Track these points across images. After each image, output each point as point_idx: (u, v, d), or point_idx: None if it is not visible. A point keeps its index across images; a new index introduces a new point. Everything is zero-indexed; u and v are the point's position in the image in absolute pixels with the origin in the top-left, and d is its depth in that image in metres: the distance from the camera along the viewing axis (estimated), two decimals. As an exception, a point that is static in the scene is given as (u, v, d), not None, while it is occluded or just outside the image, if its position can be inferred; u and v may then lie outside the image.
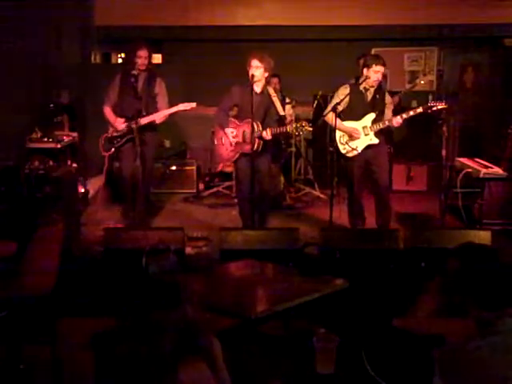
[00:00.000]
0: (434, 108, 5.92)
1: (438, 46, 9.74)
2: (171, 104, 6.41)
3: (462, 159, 7.09)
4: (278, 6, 9.15)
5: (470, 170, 6.72)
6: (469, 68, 9.81)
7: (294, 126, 5.93)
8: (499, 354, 2.02)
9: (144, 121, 6.16)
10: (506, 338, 2.04)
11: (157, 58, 9.48)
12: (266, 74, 6.03)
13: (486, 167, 6.67)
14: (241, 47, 8.81)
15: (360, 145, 6.16)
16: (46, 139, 6.74)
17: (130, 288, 3.48)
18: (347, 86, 6.53)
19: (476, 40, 9.60)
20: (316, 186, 8.25)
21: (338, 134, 6.28)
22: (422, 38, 9.49)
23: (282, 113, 6.20)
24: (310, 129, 6.06)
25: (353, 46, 9.12)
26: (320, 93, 8.24)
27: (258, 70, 5.90)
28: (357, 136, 6.13)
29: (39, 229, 3.96)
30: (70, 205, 6.34)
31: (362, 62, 7.97)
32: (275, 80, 8.17)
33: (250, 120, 5.87)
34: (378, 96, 6.15)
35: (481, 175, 6.52)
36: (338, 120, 6.19)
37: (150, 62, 6.37)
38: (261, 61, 5.89)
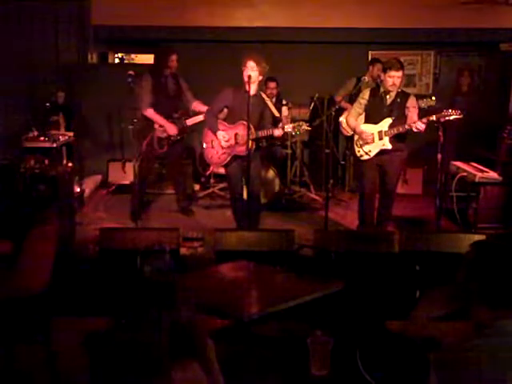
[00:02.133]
0: (447, 117, 5.84)
1: (435, 50, 9.77)
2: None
3: (457, 163, 7.11)
4: (276, 7, 9.16)
5: (465, 174, 6.74)
6: (465, 72, 9.85)
7: (291, 125, 5.95)
8: (496, 354, 2.02)
9: (190, 122, 6.82)
10: (503, 339, 2.05)
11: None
12: (261, 78, 6.05)
13: (482, 171, 6.69)
14: (239, 48, 8.81)
15: (373, 149, 6.16)
16: (42, 138, 6.74)
17: (125, 288, 3.48)
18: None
19: (472, 44, 9.63)
20: (311, 187, 8.26)
21: (355, 136, 6.30)
22: (418, 41, 9.51)
23: (277, 114, 6.25)
24: (309, 128, 6.08)
25: (350, 48, 9.14)
26: (317, 95, 8.25)
27: (253, 71, 5.91)
28: (368, 140, 6.12)
29: (34, 228, 3.94)
30: (65, 204, 6.33)
31: (375, 66, 8.07)
32: (273, 84, 8.19)
33: (242, 122, 5.90)
34: (399, 100, 6.10)
35: (476, 179, 6.54)
36: (356, 122, 6.21)
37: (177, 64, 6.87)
38: (257, 63, 5.92)
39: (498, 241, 2.22)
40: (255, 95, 6.05)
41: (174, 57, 6.76)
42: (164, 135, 6.71)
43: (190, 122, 6.83)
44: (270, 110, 6.15)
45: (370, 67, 8.11)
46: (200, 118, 6.72)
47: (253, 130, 5.93)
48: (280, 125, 6.04)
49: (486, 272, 2.12)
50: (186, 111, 6.86)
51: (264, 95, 6.24)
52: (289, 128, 5.94)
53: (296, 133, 6.01)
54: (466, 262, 2.18)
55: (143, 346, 2.12)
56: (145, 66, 8.52)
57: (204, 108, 6.58)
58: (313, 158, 9.30)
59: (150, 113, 6.69)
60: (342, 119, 7.81)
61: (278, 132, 5.94)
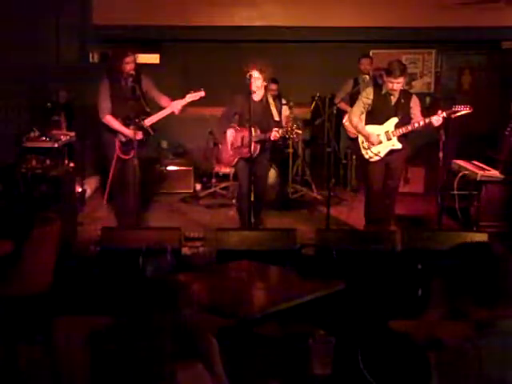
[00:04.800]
0: (458, 113, 5.88)
1: (436, 49, 9.76)
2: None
3: (459, 161, 7.09)
4: (277, 7, 9.15)
5: (466, 172, 6.73)
6: (466, 70, 9.84)
7: (283, 130, 6.03)
8: (497, 355, 2.02)
9: (149, 121, 6.24)
10: (504, 339, 2.05)
11: (154, 58, 9.48)
12: (265, 83, 6.17)
13: (483, 170, 6.68)
14: (239, 48, 8.81)
15: (382, 150, 6.18)
16: (43, 138, 6.72)
17: (127, 288, 3.48)
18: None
19: (474, 43, 9.62)
20: (313, 186, 8.25)
21: (360, 138, 6.31)
22: (420, 40, 9.50)
23: (276, 118, 6.31)
24: (300, 132, 6.18)
25: (351, 47, 9.12)
26: (318, 94, 8.24)
27: (258, 80, 6.04)
28: (375, 143, 6.13)
29: (36, 228, 3.95)
30: (66, 204, 6.33)
31: (362, 62, 8.11)
32: (274, 86, 8.18)
33: (248, 126, 6.00)
34: (402, 100, 6.12)
35: (478, 178, 6.53)
36: (360, 123, 6.22)
37: (136, 64, 6.34)
38: (261, 72, 6.03)
39: (479, 242, 2.24)
40: (261, 100, 6.19)
41: (128, 59, 6.19)
42: (125, 139, 6.26)
43: (148, 121, 6.24)
44: (271, 113, 6.25)
45: (358, 64, 8.14)
46: (161, 114, 6.29)
47: (258, 132, 6.08)
48: (275, 128, 6.09)
49: (476, 274, 2.12)
50: (146, 113, 6.33)
51: (270, 99, 6.33)
52: (282, 133, 6.02)
53: (288, 136, 6.12)
54: (451, 269, 2.19)
55: (146, 345, 2.11)
56: (147, 66, 8.53)
57: (169, 103, 6.29)
58: (314, 156, 9.30)
59: (108, 120, 6.24)
60: (345, 123, 7.78)
61: (272, 135, 6.05)
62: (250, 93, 5.99)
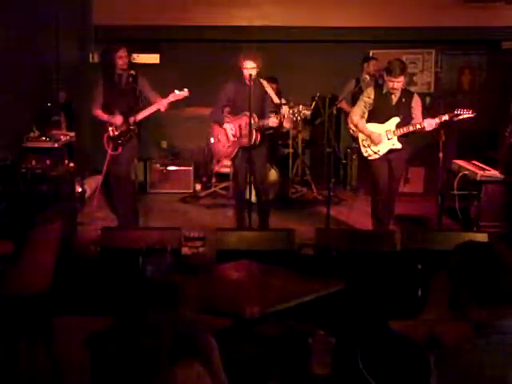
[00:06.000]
0: (460, 117, 5.90)
1: (436, 48, 9.77)
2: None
3: (459, 161, 7.09)
4: (277, 7, 9.15)
5: (466, 172, 6.73)
6: (466, 70, 9.85)
7: (291, 110, 6.00)
8: (496, 354, 2.02)
9: (140, 116, 6.28)
10: (503, 339, 2.05)
11: (154, 58, 9.48)
12: (258, 70, 6.13)
13: (483, 170, 6.68)
14: (239, 48, 8.79)
15: (382, 149, 6.17)
16: (43, 138, 6.72)
17: (127, 288, 3.48)
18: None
19: (473, 43, 9.62)
20: (313, 186, 8.26)
21: (360, 136, 6.30)
22: (420, 40, 9.51)
23: (276, 101, 6.27)
24: (308, 112, 6.14)
25: (351, 47, 9.13)
26: (318, 94, 8.24)
27: (253, 70, 6.04)
28: (376, 141, 6.13)
29: (36, 228, 3.95)
30: (66, 204, 6.33)
31: (370, 63, 8.12)
32: (273, 86, 8.16)
33: (245, 113, 6.01)
34: (404, 100, 6.13)
35: (478, 178, 6.53)
36: (362, 122, 6.22)
37: (129, 61, 6.41)
38: (254, 61, 6.05)
39: (480, 241, 2.24)
40: (254, 83, 6.10)
41: (120, 53, 6.24)
42: (116, 133, 6.30)
43: (140, 116, 6.28)
44: (269, 96, 6.22)
45: (365, 65, 8.12)
46: (148, 111, 6.30)
47: (256, 120, 6.01)
48: (278, 115, 6.06)
49: (475, 274, 2.13)
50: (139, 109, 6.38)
51: (264, 81, 6.30)
52: (290, 114, 6.00)
53: (296, 116, 6.04)
54: (452, 267, 2.19)
55: (145, 345, 2.11)
56: (147, 66, 8.53)
57: (158, 98, 6.31)
58: (314, 156, 9.30)
59: (97, 113, 6.34)
60: (350, 124, 7.76)
61: (273, 122, 6.01)
62: (246, 82, 6.01)
